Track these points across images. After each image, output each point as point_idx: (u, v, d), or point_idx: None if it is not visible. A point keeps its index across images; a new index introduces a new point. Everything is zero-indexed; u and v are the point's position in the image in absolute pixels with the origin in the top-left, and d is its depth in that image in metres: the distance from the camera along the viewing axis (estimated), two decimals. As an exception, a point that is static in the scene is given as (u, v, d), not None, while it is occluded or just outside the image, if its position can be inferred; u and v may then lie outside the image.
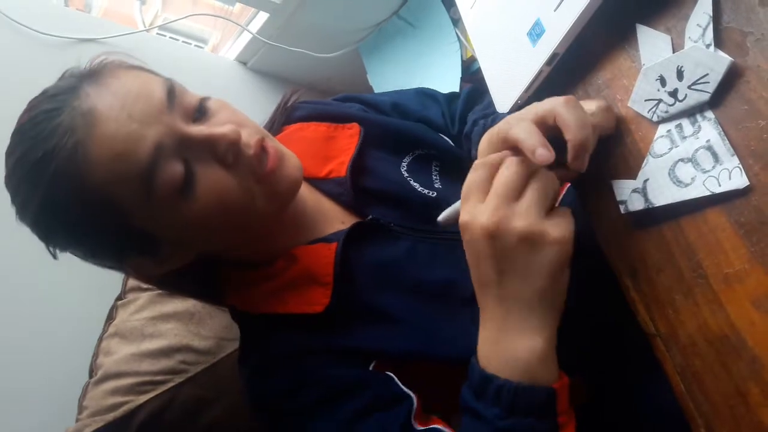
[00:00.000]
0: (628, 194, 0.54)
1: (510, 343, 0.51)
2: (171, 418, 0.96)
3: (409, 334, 0.63)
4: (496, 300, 0.52)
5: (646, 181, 0.53)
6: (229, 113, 0.63)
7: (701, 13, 0.49)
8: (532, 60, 0.62)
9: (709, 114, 0.48)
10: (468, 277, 0.65)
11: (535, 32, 0.63)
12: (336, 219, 0.73)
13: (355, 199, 0.72)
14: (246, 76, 1.73)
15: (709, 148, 0.48)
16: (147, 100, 0.58)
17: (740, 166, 0.46)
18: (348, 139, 0.76)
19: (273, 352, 0.65)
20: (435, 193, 0.75)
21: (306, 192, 0.72)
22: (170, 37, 1.85)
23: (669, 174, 0.51)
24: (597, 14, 0.57)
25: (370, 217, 0.71)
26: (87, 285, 1.17)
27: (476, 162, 0.53)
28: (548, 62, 0.61)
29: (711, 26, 0.48)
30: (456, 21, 1.42)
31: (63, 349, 1.18)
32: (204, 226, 0.61)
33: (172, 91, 0.61)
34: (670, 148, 0.52)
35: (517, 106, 0.65)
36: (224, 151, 0.60)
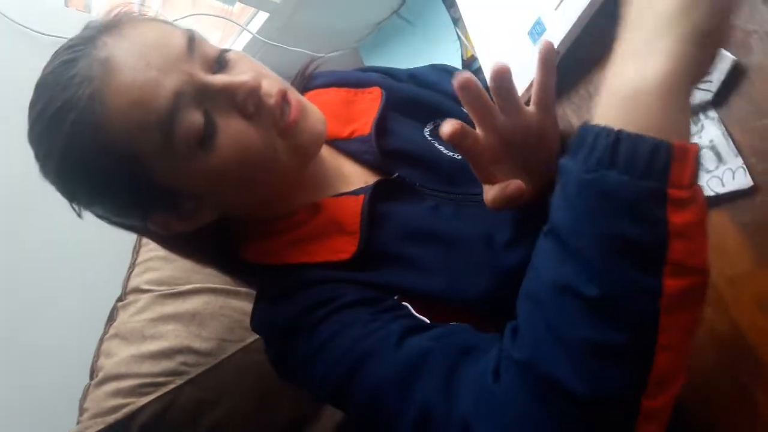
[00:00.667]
0: None
1: (622, 67, 0.39)
2: (172, 419, 0.96)
3: (432, 279, 0.62)
4: (655, 33, 0.39)
5: None
6: (249, 63, 0.62)
7: None
8: (533, 59, 0.62)
9: (713, 113, 0.48)
10: (498, 230, 0.63)
11: (536, 31, 0.62)
12: (359, 179, 0.72)
13: (380, 156, 0.70)
14: (246, 76, 1.72)
15: (713, 148, 0.48)
16: (166, 48, 0.57)
17: (744, 165, 0.45)
18: (370, 102, 0.75)
19: (297, 279, 0.64)
20: (461, 156, 0.71)
21: (327, 154, 0.72)
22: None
23: None
24: (598, 13, 0.56)
25: (396, 174, 0.70)
26: (88, 286, 1.17)
27: None
28: (549, 61, 0.60)
29: None
30: (456, 20, 1.42)
31: (64, 351, 1.17)
32: (225, 179, 0.60)
33: (192, 40, 0.59)
34: None
35: (519, 106, 0.65)
36: (244, 100, 0.58)
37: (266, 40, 1.57)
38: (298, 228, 0.67)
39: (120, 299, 1.10)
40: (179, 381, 0.98)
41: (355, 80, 0.79)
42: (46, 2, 1.50)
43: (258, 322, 0.69)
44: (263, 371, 0.71)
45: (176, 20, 1.70)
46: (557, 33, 0.59)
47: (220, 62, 0.60)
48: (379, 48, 1.61)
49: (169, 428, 0.95)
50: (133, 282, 1.12)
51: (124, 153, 0.56)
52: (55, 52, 0.60)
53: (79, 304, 1.21)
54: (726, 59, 0.46)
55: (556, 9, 0.60)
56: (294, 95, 0.62)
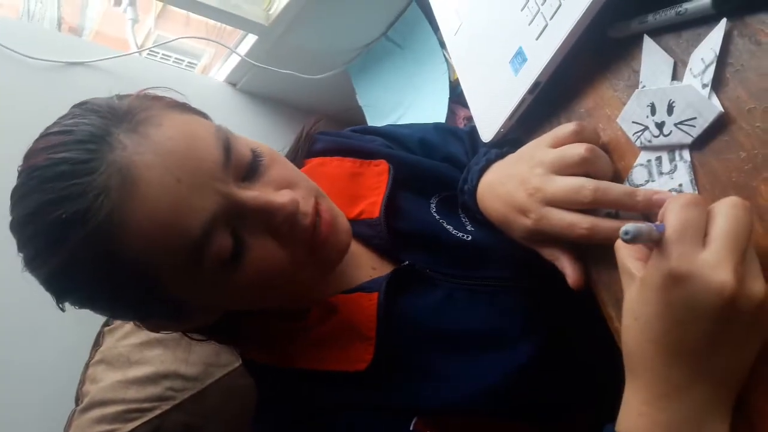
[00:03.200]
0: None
1: (696, 430, 0.43)
2: (158, 446, 0.95)
3: (449, 386, 0.60)
4: (693, 376, 0.42)
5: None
6: (281, 170, 0.58)
7: (708, 49, 0.48)
8: (515, 88, 0.62)
9: (687, 156, 0.49)
10: (510, 323, 0.63)
11: (518, 61, 0.63)
12: (366, 264, 0.68)
13: (390, 242, 0.68)
14: (235, 98, 1.73)
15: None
16: (198, 161, 0.51)
17: None
18: (376, 177, 0.71)
19: (306, 403, 0.61)
20: (469, 237, 0.70)
21: None
22: (162, 55, 1.84)
23: None
24: (579, 43, 0.57)
25: (406, 262, 0.66)
26: (74, 310, 1.15)
27: (682, 200, 0.43)
28: (530, 91, 0.61)
29: (714, 65, 0.47)
30: (443, 43, 1.43)
31: (49, 377, 1.16)
32: (241, 294, 0.57)
33: (227, 147, 0.53)
34: (647, 181, 0.52)
35: (501, 134, 0.65)
36: (280, 223, 0.54)
37: (255, 63, 1.58)
38: (311, 332, 0.63)
39: (106, 324, 1.09)
40: (165, 406, 0.97)
41: (360, 149, 0.76)
42: (36, 27, 1.51)
43: (265, 429, 0.65)
44: (250, 395, 0.70)
45: (165, 43, 1.71)
46: (538, 62, 0.60)
47: (252, 168, 0.55)
48: (368, 69, 1.62)
49: (155, 455, 0.94)
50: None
51: (137, 273, 0.51)
52: (52, 136, 0.52)
53: (66, 329, 1.20)
54: (713, 109, 0.47)
55: (537, 39, 0.61)
56: (325, 204, 0.59)
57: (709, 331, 0.41)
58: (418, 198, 0.73)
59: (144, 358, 1.01)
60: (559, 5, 0.58)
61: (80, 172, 0.48)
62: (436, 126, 0.88)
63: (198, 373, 1.01)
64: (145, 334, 1.04)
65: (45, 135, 0.53)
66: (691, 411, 0.43)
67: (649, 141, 0.51)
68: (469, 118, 1.09)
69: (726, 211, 0.41)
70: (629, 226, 0.40)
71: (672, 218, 0.42)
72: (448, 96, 1.41)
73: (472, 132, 0.84)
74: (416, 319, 0.63)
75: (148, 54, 1.78)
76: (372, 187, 0.71)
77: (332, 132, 0.81)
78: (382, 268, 0.68)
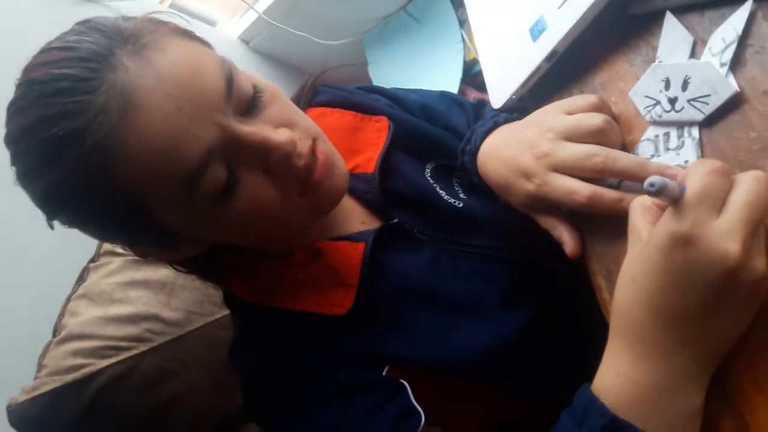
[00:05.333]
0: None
1: (674, 398, 0.43)
2: (131, 385, 0.94)
3: (425, 344, 0.61)
4: (681, 341, 0.42)
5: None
6: (281, 108, 0.57)
7: (730, 29, 0.47)
8: (532, 56, 0.62)
9: (696, 133, 0.48)
10: (490, 293, 0.63)
11: (537, 29, 0.62)
12: (356, 218, 0.69)
13: (382, 200, 0.68)
14: (247, 55, 1.72)
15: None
16: (200, 90, 0.50)
17: None
18: (376, 133, 0.72)
19: (282, 342, 0.62)
20: (461, 204, 0.70)
21: None
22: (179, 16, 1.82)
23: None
24: (600, 16, 0.56)
25: (396, 220, 0.67)
26: (61, 244, 1.15)
27: (708, 166, 0.41)
28: (547, 59, 0.60)
29: (734, 45, 0.47)
30: (462, 22, 1.42)
31: (29, 307, 1.15)
32: (234, 228, 0.57)
33: (230, 79, 0.52)
34: (652, 155, 0.51)
35: (513, 101, 0.64)
36: (275, 162, 0.54)
37: (272, 21, 1.57)
38: (294, 272, 0.64)
39: (92, 260, 1.09)
40: (142, 347, 0.96)
41: (363, 104, 0.75)
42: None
43: (239, 365, 0.66)
44: (226, 348, 0.70)
45: (184, -9, 1.69)
46: (558, 31, 0.59)
47: (252, 103, 0.55)
48: (382, 42, 1.61)
49: (127, 393, 0.93)
50: (108, 245, 1.10)
51: (131, 197, 0.50)
52: (53, 51, 0.50)
53: (51, 261, 1.19)
54: (728, 88, 0.46)
55: (559, 8, 0.60)
56: (322, 146, 0.58)
57: (704, 299, 0.40)
58: (414, 161, 0.73)
59: (126, 297, 1.00)
60: (585, -26, 0.57)
61: (80, 89, 0.47)
62: (442, 94, 0.87)
63: (179, 319, 1.01)
64: (130, 274, 1.04)
65: (46, 50, 0.52)
66: (669, 378, 0.42)
67: (660, 116, 0.51)
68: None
69: (748, 184, 0.40)
70: (655, 178, 0.38)
71: (695, 182, 0.40)
72: (461, 76, 1.40)
73: (478, 105, 0.85)
74: (399, 275, 0.64)
75: (167, 9, 1.76)
76: (370, 142, 0.71)
77: (337, 86, 0.81)
78: (371, 223, 0.68)
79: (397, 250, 0.65)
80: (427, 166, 0.74)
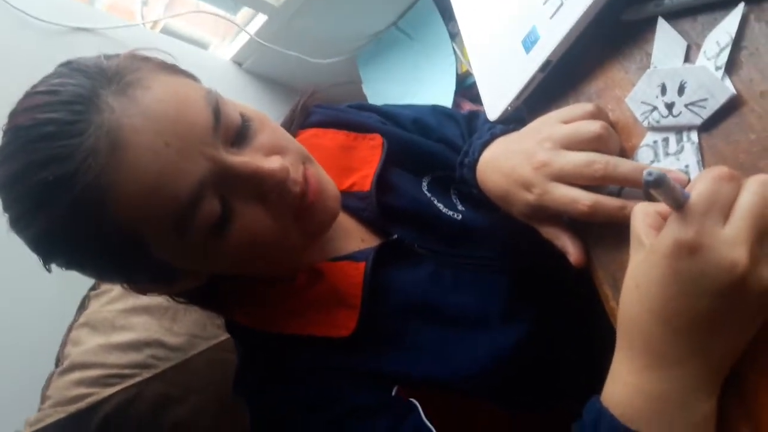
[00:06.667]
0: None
1: (683, 408, 0.42)
2: (136, 413, 0.93)
3: (432, 360, 0.60)
4: (688, 351, 0.41)
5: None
6: (270, 135, 0.57)
7: (723, 32, 0.48)
8: (525, 66, 0.62)
9: (695, 137, 0.48)
10: (493, 305, 0.63)
11: (530, 39, 0.62)
12: (355, 236, 0.69)
13: (379, 216, 0.67)
14: (240, 77, 1.72)
15: (686, 174, 0.48)
16: (188, 124, 0.50)
17: None
18: (370, 150, 0.72)
19: (289, 365, 0.61)
20: (460, 216, 0.70)
21: None
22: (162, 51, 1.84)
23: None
24: (592, 24, 0.56)
25: (395, 236, 0.67)
26: (61, 273, 1.14)
27: (717, 172, 0.40)
28: (541, 69, 0.60)
29: (729, 49, 0.47)
30: (453, 35, 1.43)
31: (31, 338, 1.15)
32: (227, 259, 0.57)
33: (217, 111, 0.52)
34: (652, 161, 0.51)
35: (508, 113, 0.64)
36: (269, 189, 0.54)
37: (264, 42, 1.57)
38: (297, 296, 0.63)
39: (93, 288, 1.08)
40: (146, 374, 0.96)
41: (355, 122, 0.76)
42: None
43: (244, 391, 0.65)
44: (232, 370, 0.69)
45: (177, 15, 1.70)
46: (551, 41, 0.59)
47: (241, 133, 0.55)
48: (375, 58, 1.62)
49: (132, 421, 0.92)
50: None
51: (126, 236, 0.50)
52: (37, 96, 0.50)
53: (52, 291, 1.18)
54: (725, 91, 0.46)
55: (551, 18, 0.60)
56: (312, 170, 0.59)
57: (711, 308, 0.40)
58: (410, 175, 0.73)
59: (128, 324, 1.00)
60: (576, -17, 0.57)
61: (67, 133, 0.47)
62: (434, 108, 0.88)
63: (182, 344, 1.00)
64: (132, 301, 1.03)
65: (30, 94, 0.52)
66: (680, 387, 0.42)
67: (657, 122, 0.51)
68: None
69: (754, 189, 0.40)
70: (653, 169, 0.37)
71: (702, 188, 0.40)
72: (455, 89, 1.41)
73: (470, 116, 0.85)
74: (402, 292, 0.63)
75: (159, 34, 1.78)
76: (365, 160, 0.71)
77: (329, 105, 0.81)
78: (370, 240, 0.68)
79: (398, 265, 0.65)
80: (424, 180, 0.74)
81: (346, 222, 0.69)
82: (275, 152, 0.56)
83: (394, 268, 0.65)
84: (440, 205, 0.71)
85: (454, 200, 0.73)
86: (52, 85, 0.51)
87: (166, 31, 1.75)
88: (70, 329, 1.04)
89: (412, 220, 0.69)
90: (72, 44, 1.40)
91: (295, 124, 0.77)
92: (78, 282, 1.08)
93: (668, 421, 0.42)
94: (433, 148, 0.77)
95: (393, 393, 0.59)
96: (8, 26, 1.33)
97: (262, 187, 0.54)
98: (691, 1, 0.51)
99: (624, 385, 0.44)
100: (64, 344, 1.02)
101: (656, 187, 0.38)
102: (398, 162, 0.73)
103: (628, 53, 0.56)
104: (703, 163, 0.47)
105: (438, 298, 0.64)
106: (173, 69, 0.57)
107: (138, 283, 0.59)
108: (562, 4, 0.59)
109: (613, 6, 0.55)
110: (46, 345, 1.05)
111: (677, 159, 0.49)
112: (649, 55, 0.53)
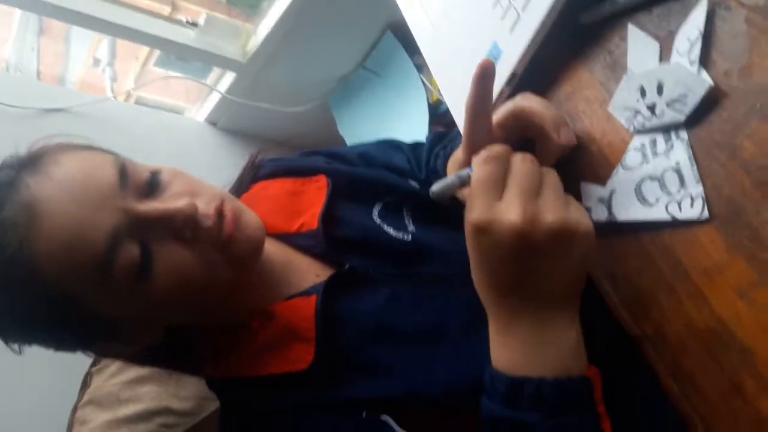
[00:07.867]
0: (594, 201, 0.54)
1: (543, 344, 0.48)
2: (152, 486, 0.91)
3: (397, 380, 0.61)
4: (520, 303, 0.48)
5: (612, 192, 0.53)
6: (182, 183, 0.61)
7: (692, 27, 0.48)
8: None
9: (683, 134, 0.48)
10: (454, 316, 0.64)
11: (493, 55, 0.64)
12: (310, 273, 0.70)
13: (329, 249, 0.69)
14: (216, 136, 1.74)
15: (677, 171, 0.48)
16: (95, 184, 0.55)
17: (704, 196, 0.46)
18: (316, 192, 0.75)
19: (256, 409, 0.63)
20: (410, 236, 0.73)
21: (275, 249, 0.70)
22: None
23: (635, 190, 0.51)
24: (552, 31, 0.58)
25: (347, 266, 0.69)
26: (59, 354, 1.12)
27: (482, 155, 0.48)
28: (508, 83, 0.61)
29: (700, 42, 0.47)
30: (420, 67, 1.45)
31: (36, 424, 1.12)
32: (166, 303, 0.59)
33: (123, 170, 0.58)
34: (641, 163, 0.51)
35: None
36: (181, 227, 0.58)
37: (236, 99, 1.59)
38: (254, 339, 0.65)
39: (93, 364, 1.06)
40: (159, 444, 0.94)
41: (301, 168, 0.80)
42: (14, 75, 1.51)
43: None
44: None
45: (145, 86, 1.72)
46: (514, 54, 0.61)
47: (152, 184, 0.60)
48: (347, 100, 1.64)
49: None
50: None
51: (58, 294, 0.54)
52: None
53: (51, 374, 1.16)
54: (703, 83, 0.47)
55: (510, 32, 0.62)
56: (229, 205, 0.62)
57: (517, 266, 0.46)
58: (359, 206, 0.76)
59: (134, 395, 0.98)
60: (531, -5, 0.58)
61: None
62: (379, 141, 0.92)
63: (191, 408, 0.99)
64: (134, 371, 1.02)
65: None
66: (530, 329, 0.48)
67: (643, 125, 0.51)
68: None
69: (514, 165, 0.47)
70: (433, 186, 0.47)
71: (474, 173, 0.48)
72: (428, 118, 1.42)
73: (416, 144, 0.91)
74: (360, 318, 0.65)
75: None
76: (312, 201, 0.74)
77: (278, 158, 0.86)
78: (325, 275, 0.69)
79: (355, 294, 0.66)
80: (375, 208, 0.76)
81: (299, 261, 0.71)
82: (187, 195, 0.60)
83: (350, 297, 0.66)
84: (390, 229, 0.73)
85: (406, 221, 0.76)
86: None
87: (140, 101, 1.77)
88: (74, 410, 1.02)
89: (362, 248, 0.71)
90: (45, 125, 1.41)
91: (245, 181, 0.82)
92: (77, 360, 1.07)
93: (543, 357, 0.48)
94: (379, 176, 0.80)
95: (363, 416, 0.60)
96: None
97: (173, 226, 0.57)
98: (643, -4, 0.52)
99: (497, 347, 0.51)
100: (70, 425, 1.00)
101: (442, 197, 0.48)
102: (346, 196, 0.75)
103: (591, 54, 0.57)
104: (695, 157, 0.47)
105: (396, 319, 0.65)
106: (83, 146, 0.62)
107: (94, 346, 0.63)
108: (519, 17, 0.61)
109: (571, 11, 0.56)
110: (53, 429, 1.02)
111: (667, 158, 0.49)
112: (611, 52, 0.55)
